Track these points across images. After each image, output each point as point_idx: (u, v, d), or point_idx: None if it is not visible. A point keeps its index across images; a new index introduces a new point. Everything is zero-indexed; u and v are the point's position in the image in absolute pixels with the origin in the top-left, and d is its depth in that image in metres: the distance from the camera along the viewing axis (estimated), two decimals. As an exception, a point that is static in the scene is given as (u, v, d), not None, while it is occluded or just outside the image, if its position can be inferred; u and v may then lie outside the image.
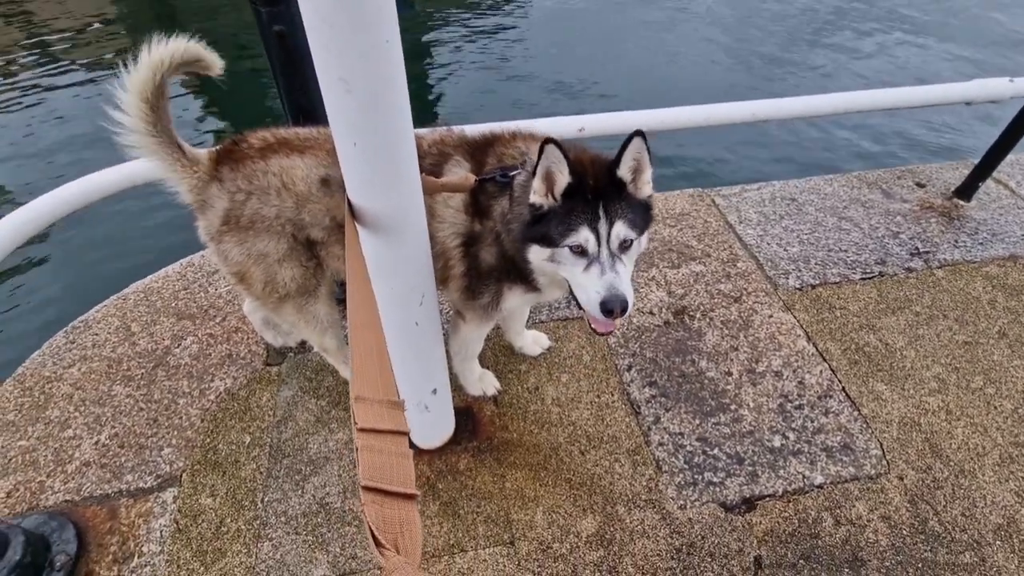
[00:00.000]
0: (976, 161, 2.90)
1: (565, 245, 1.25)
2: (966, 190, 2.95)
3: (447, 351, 1.74)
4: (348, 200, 1.10)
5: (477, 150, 1.49)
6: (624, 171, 1.25)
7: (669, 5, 7.84)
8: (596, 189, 1.24)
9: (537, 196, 1.28)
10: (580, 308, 1.33)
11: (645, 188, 1.31)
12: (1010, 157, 2.88)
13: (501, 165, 1.44)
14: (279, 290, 1.56)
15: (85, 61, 6.41)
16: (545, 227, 1.27)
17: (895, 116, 5.35)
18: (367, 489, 0.66)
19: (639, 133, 1.19)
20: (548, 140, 1.18)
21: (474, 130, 1.57)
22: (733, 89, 6.03)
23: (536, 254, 1.33)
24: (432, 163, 1.47)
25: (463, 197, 1.45)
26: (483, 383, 2.01)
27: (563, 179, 1.23)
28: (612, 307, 1.19)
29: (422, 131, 1.50)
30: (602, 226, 1.23)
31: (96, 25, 7.21)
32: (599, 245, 1.24)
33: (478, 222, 1.47)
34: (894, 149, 5.19)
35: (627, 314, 1.24)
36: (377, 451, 0.70)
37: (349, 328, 0.87)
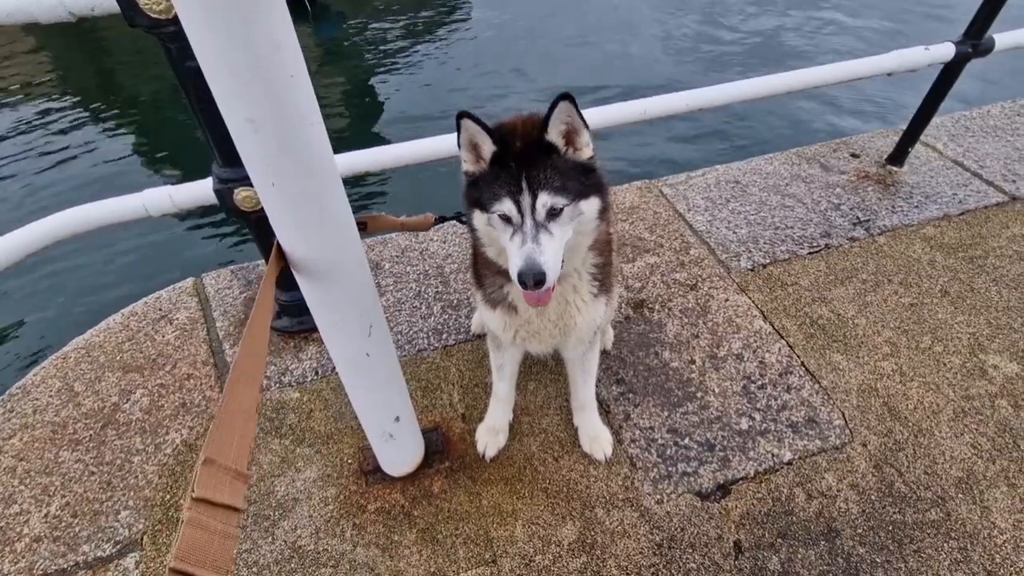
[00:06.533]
0: (904, 128, 3.02)
1: (494, 212, 1.23)
2: (898, 156, 3.07)
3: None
4: (277, 241, 1.06)
5: None
6: (553, 135, 1.20)
7: (594, 18, 7.94)
8: (521, 156, 1.20)
9: (467, 165, 1.28)
10: None
11: (584, 151, 1.25)
12: (935, 120, 3.02)
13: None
14: None
15: (26, 115, 6.10)
16: (479, 192, 1.26)
17: (823, 92, 5.55)
18: (175, 572, 0.60)
19: (566, 96, 1.13)
20: (462, 114, 1.16)
21: None
22: (664, 82, 6.16)
23: (478, 219, 1.30)
24: None
25: None
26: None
27: (487, 147, 1.21)
28: (526, 280, 1.16)
29: None
30: (524, 197, 1.18)
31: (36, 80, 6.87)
32: (522, 215, 1.19)
33: None
34: (826, 124, 5.38)
35: (547, 286, 1.19)
36: (202, 527, 0.64)
37: (228, 379, 0.81)
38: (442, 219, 1.62)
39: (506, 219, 1.22)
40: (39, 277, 3.83)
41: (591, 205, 1.27)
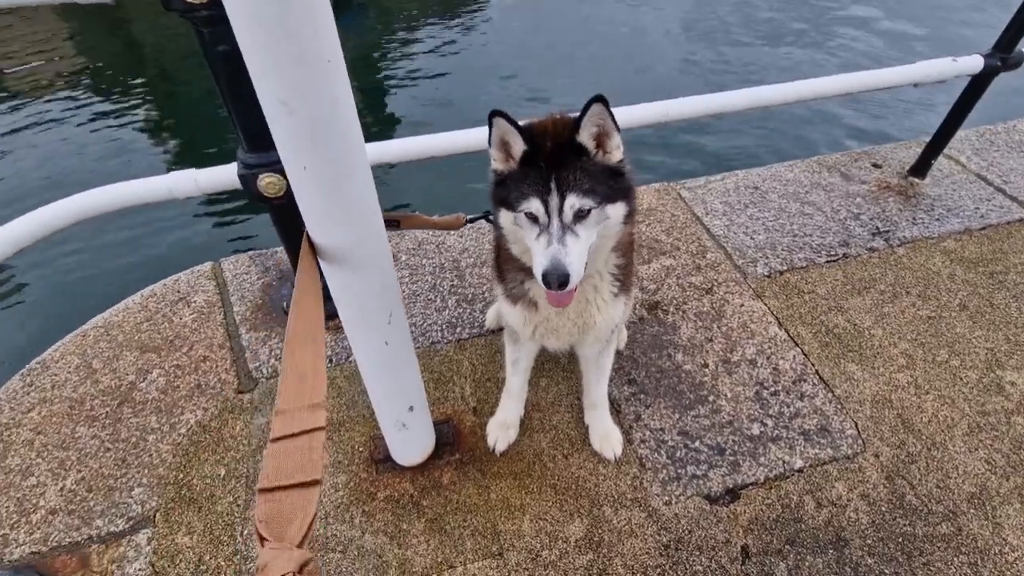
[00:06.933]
0: (928, 139, 2.99)
1: (521, 211, 1.24)
2: (920, 168, 3.04)
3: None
4: (306, 231, 1.07)
5: None
6: (584, 137, 1.21)
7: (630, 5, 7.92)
8: (551, 156, 1.21)
9: (496, 163, 1.29)
10: None
11: (614, 154, 1.25)
12: (959, 133, 2.98)
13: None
14: None
15: (55, 100, 6.13)
16: (506, 191, 1.27)
17: (848, 100, 5.50)
18: (264, 491, 0.66)
19: (599, 99, 1.14)
20: (495, 113, 1.17)
21: None
22: (687, 86, 6.13)
23: (504, 217, 1.31)
24: None
25: None
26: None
27: (518, 147, 1.22)
28: (550, 280, 1.18)
29: None
30: (552, 198, 1.19)
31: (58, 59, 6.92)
32: (549, 216, 1.21)
33: None
34: (850, 132, 5.32)
35: (570, 287, 1.20)
36: (283, 455, 0.71)
37: (285, 342, 0.87)
38: (473, 219, 1.64)
39: (533, 219, 1.23)
40: (61, 255, 3.89)
41: (617, 209, 1.27)
